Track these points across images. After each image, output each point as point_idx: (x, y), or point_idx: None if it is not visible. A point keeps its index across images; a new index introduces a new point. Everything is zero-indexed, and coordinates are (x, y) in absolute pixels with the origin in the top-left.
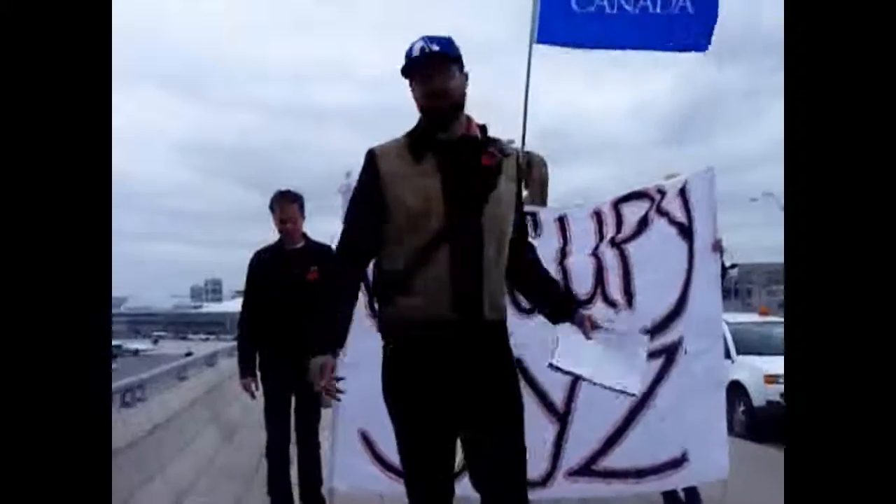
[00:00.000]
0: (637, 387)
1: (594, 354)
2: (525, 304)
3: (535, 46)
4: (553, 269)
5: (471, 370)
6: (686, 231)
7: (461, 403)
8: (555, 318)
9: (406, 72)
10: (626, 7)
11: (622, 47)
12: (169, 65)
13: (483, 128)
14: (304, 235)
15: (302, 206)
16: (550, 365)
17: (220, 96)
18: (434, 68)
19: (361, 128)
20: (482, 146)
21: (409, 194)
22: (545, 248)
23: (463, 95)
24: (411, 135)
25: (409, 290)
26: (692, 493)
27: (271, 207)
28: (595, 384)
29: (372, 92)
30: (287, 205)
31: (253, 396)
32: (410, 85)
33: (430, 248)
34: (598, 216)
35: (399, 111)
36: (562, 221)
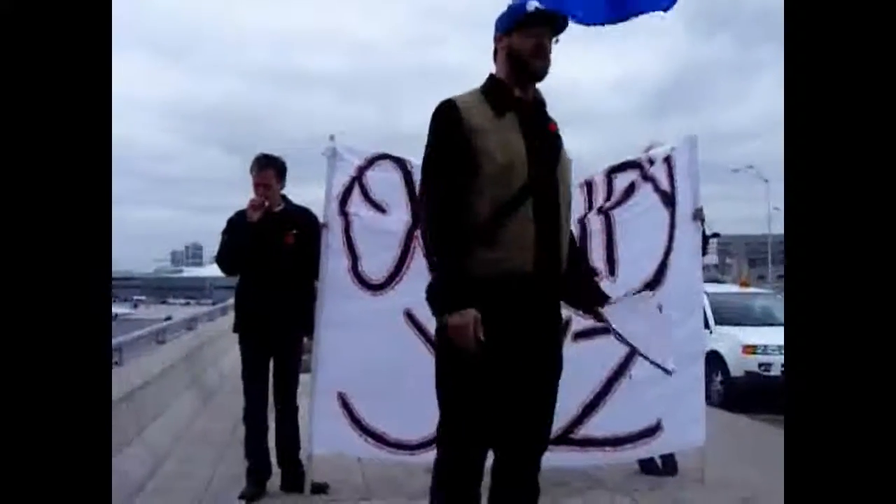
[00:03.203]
0: (672, 365)
1: (642, 328)
2: None
3: None
4: None
5: (543, 322)
6: (669, 199)
7: (528, 355)
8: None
9: (520, 23)
10: None
11: (602, 22)
12: (152, 28)
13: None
14: (285, 198)
15: (279, 171)
16: (614, 331)
17: (203, 61)
18: (546, 29)
19: (345, 93)
20: (547, 113)
21: (496, 148)
22: None
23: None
24: (487, 91)
25: (492, 242)
26: (669, 460)
27: (250, 171)
28: (645, 359)
29: (355, 57)
30: (262, 169)
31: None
32: (507, 38)
33: (516, 201)
34: (588, 186)
35: (382, 77)
36: None
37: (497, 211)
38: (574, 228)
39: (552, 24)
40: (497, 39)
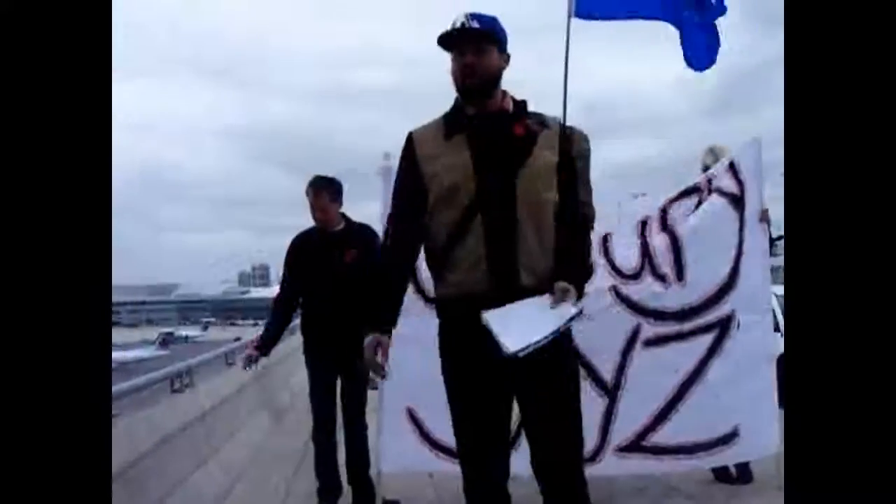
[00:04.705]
0: (509, 349)
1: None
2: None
3: (576, 23)
4: (597, 252)
5: None
6: (738, 201)
7: (510, 374)
8: None
9: (443, 45)
10: None
11: (655, 18)
12: (209, 54)
13: (521, 103)
14: (344, 217)
15: (334, 191)
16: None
17: (260, 83)
18: (468, 44)
19: (398, 109)
20: (515, 118)
21: (441, 171)
22: None
23: (497, 74)
24: (446, 114)
25: (450, 264)
26: (744, 467)
27: (306, 194)
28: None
29: (407, 74)
30: (315, 191)
31: (247, 367)
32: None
33: (465, 221)
34: (643, 225)
35: (434, 91)
36: (605, 240)
37: (450, 232)
38: (636, 243)
39: (464, 37)
40: None
